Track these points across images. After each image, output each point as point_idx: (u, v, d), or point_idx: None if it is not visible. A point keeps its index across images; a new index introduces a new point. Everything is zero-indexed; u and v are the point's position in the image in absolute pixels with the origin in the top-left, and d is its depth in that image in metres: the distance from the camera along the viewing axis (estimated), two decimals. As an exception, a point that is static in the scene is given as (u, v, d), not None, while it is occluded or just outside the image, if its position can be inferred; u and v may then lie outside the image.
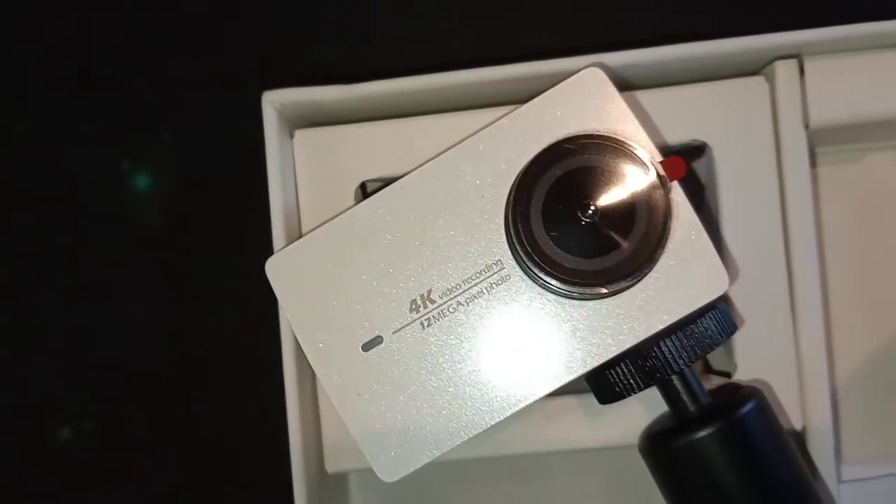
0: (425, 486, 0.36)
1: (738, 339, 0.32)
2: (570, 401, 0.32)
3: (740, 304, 0.32)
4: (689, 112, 0.32)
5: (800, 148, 0.31)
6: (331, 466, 0.33)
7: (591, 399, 0.32)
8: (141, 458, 0.38)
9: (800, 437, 0.32)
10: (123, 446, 0.38)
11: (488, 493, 0.36)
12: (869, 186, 0.35)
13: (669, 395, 0.28)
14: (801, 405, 0.32)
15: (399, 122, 0.32)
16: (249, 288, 0.32)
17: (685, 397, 0.28)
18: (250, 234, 0.33)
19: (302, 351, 0.29)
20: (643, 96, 0.32)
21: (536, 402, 0.32)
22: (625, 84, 0.31)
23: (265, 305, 0.30)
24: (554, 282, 0.27)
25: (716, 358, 0.34)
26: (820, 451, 0.31)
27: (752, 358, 0.32)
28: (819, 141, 0.34)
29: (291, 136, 0.32)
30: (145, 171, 0.38)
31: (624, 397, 0.28)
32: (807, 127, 0.31)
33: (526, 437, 0.32)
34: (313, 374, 0.33)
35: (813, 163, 0.35)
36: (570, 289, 0.27)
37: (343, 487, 0.36)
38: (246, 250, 0.34)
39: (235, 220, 0.37)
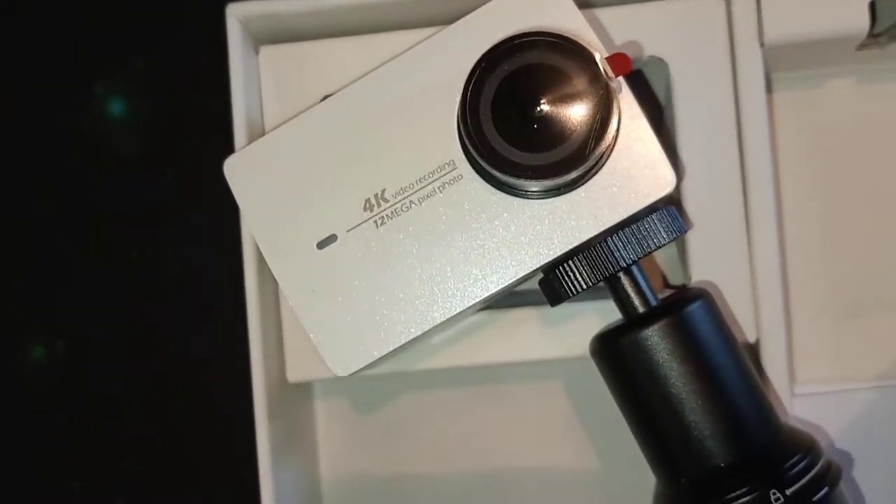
0: (387, 397, 0.37)
1: (693, 252, 0.32)
2: (528, 312, 0.33)
3: (696, 218, 0.32)
4: (647, 30, 0.32)
5: (755, 65, 0.32)
6: (292, 376, 0.33)
7: (549, 311, 0.33)
8: (108, 372, 0.38)
9: (754, 350, 0.32)
10: (90, 362, 0.38)
11: (447, 405, 0.37)
12: (824, 111, 0.36)
13: (618, 294, 0.29)
14: (755, 318, 0.32)
15: (365, 38, 0.33)
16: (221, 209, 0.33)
17: (633, 297, 0.29)
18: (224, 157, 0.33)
19: (264, 259, 0.30)
20: (602, 14, 0.32)
21: (494, 313, 0.33)
22: (584, 2, 0.32)
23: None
24: (503, 177, 0.27)
25: (673, 274, 0.35)
26: (773, 363, 0.32)
27: (706, 271, 0.32)
28: (775, 64, 0.34)
29: (257, 53, 0.33)
30: (118, 96, 0.38)
31: (572, 295, 0.28)
32: (762, 45, 0.32)
33: (483, 349, 0.33)
34: (276, 285, 0.34)
35: (769, 88, 0.35)
36: (518, 185, 0.27)
37: (307, 399, 0.37)
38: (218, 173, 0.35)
39: (209, 143, 0.37)
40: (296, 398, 0.35)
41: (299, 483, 0.36)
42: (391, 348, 0.29)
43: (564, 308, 0.32)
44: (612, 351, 0.28)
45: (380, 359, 0.29)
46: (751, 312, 0.32)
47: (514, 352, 0.33)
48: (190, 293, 0.39)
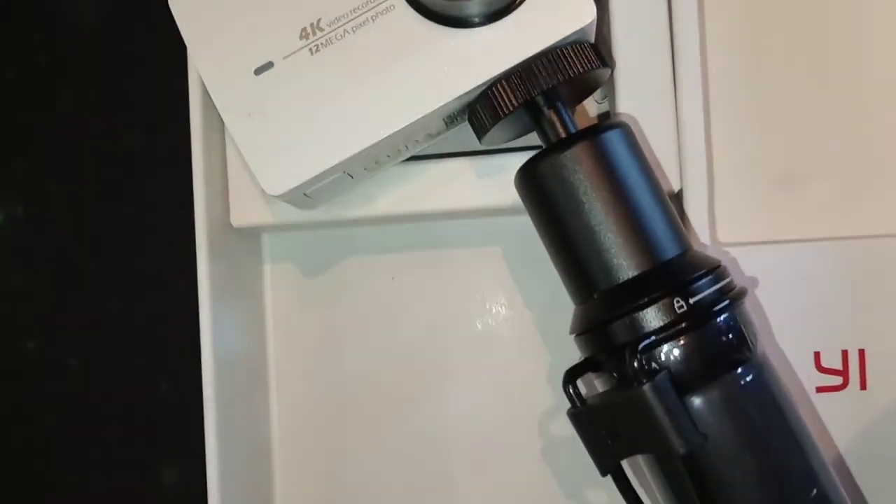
0: (333, 260, 0.38)
1: (621, 96, 0.33)
2: (461, 162, 0.34)
3: (623, 63, 0.33)
4: None
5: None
6: (236, 220, 0.35)
7: (482, 162, 0.34)
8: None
9: (678, 199, 0.34)
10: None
11: (391, 267, 0.38)
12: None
13: (540, 125, 0.30)
14: (678, 166, 0.33)
15: None
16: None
17: (555, 124, 0.30)
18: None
19: (210, 99, 0.31)
20: None
21: (428, 164, 0.34)
22: None
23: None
24: (432, 4, 0.28)
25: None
26: (695, 212, 0.33)
27: (631, 119, 0.33)
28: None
29: None
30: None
31: (497, 121, 0.29)
32: None
33: (419, 198, 0.34)
34: (222, 133, 0.35)
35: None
36: (446, 13, 0.29)
37: (254, 258, 0.38)
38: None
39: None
40: (242, 251, 0.37)
41: (243, 333, 0.37)
42: (321, 170, 0.30)
43: (496, 159, 0.34)
44: (532, 175, 0.29)
45: (313, 186, 0.31)
46: (675, 160, 0.33)
47: (448, 201, 0.34)
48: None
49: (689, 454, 0.26)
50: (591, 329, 0.29)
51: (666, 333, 0.27)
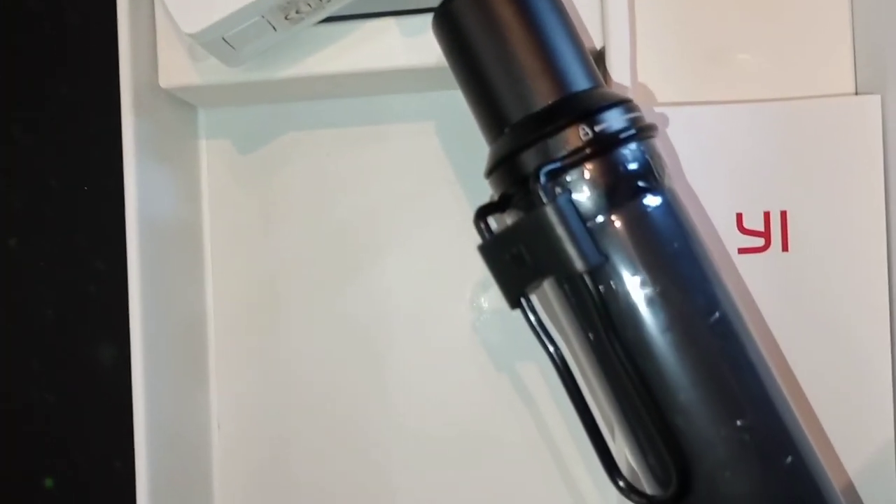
0: (269, 134, 0.39)
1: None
2: (387, 22, 0.34)
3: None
4: None
5: None
6: (164, 81, 0.35)
7: (409, 21, 0.34)
8: None
9: (601, 57, 0.34)
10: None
11: (327, 143, 0.38)
12: None
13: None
14: (601, 23, 0.33)
15: None
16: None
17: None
18: None
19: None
20: None
21: (355, 23, 0.34)
22: None
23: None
24: None
25: None
26: (618, 70, 0.33)
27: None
28: None
29: None
30: None
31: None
32: None
33: (345, 57, 0.34)
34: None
35: None
36: None
37: (190, 126, 0.38)
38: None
39: None
40: (175, 121, 0.37)
41: (177, 204, 0.37)
42: (237, 7, 0.30)
43: (422, 18, 0.34)
44: (446, 14, 0.30)
45: (233, 29, 0.31)
46: (598, 18, 0.33)
47: (375, 60, 0.34)
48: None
49: (589, 274, 0.27)
50: (500, 163, 0.29)
51: (571, 160, 0.27)
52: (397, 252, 0.38)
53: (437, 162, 0.38)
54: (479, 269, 0.37)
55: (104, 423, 0.39)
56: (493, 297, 0.38)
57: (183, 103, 0.38)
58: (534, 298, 0.29)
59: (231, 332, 0.39)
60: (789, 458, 0.27)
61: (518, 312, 0.29)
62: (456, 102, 0.32)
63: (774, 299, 0.34)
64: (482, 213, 0.29)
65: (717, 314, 0.27)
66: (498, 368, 0.38)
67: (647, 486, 0.29)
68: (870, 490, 0.34)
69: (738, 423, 0.27)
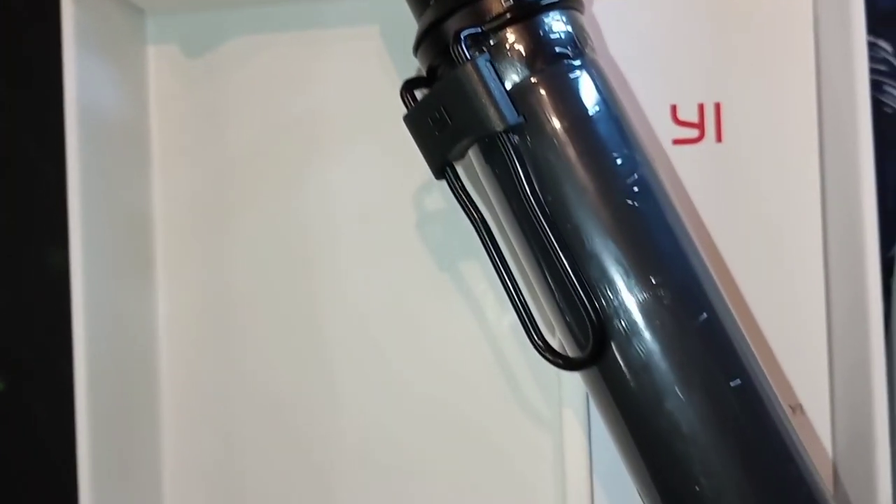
0: (216, 39, 0.39)
1: None
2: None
3: None
4: None
5: None
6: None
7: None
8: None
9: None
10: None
11: (273, 48, 0.39)
12: None
13: None
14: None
15: None
16: None
17: None
18: None
19: None
20: None
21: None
22: None
23: None
24: None
25: None
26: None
27: None
28: None
29: None
30: None
31: None
32: None
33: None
34: None
35: None
36: None
37: (138, 31, 0.39)
38: None
39: None
40: (123, 23, 0.37)
41: (123, 106, 0.37)
42: None
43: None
44: None
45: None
46: None
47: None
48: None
49: (507, 134, 0.27)
50: (425, 35, 0.29)
51: (492, 25, 0.28)
52: (344, 153, 0.38)
53: (380, 66, 0.38)
54: (423, 172, 0.38)
55: (51, 326, 0.40)
56: (436, 197, 0.38)
57: (131, 8, 0.38)
58: (461, 172, 0.30)
59: (178, 234, 0.39)
60: (703, 315, 0.27)
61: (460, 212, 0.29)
62: (401, 6, 0.33)
63: (708, 190, 0.35)
64: (408, 86, 0.30)
65: (635, 175, 0.28)
66: (441, 268, 0.38)
67: (570, 352, 0.29)
68: (801, 383, 0.35)
69: (653, 280, 0.27)
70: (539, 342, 0.28)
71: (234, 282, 0.39)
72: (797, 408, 0.35)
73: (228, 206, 0.39)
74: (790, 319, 0.34)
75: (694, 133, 0.35)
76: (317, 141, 0.39)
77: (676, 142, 0.35)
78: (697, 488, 0.27)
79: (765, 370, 0.29)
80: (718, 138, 0.35)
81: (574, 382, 0.34)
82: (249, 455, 0.38)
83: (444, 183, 0.30)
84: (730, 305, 0.28)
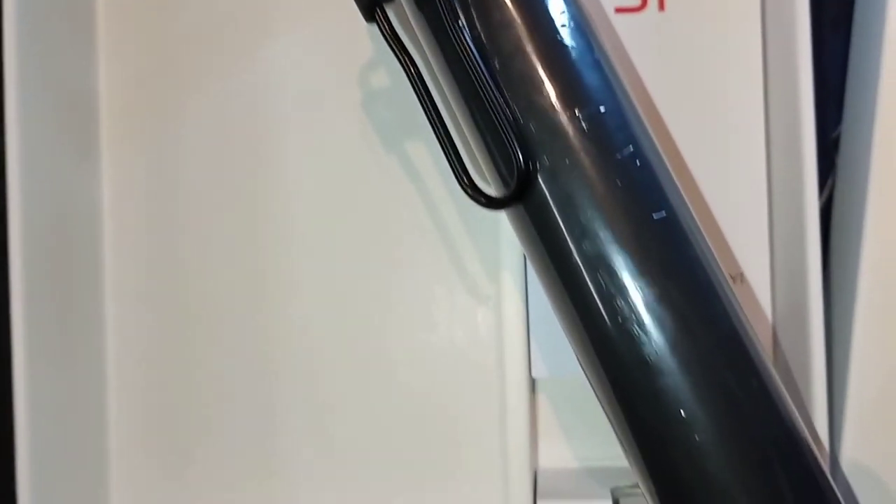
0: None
1: None
2: None
3: None
4: None
5: None
6: None
7: None
8: None
9: None
10: None
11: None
12: None
13: None
14: None
15: None
16: None
17: None
18: None
19: None
20: None
21: None
22: None
23: None
24: None
25: None
26: None
27: None
28: None
29: None
30: None
31: None
32: None
33: None
34: None
35: None
36: None
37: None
38: None
39: None
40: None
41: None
42: None
43: None
44: None
45: None
46: None
47: None
48: None
49: None
50: None
51: None
52: (293, 33, 0.38)
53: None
54: (367, 49, 0.38)
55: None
56: (381, 75, 0.38)
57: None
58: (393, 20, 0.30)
59: (124, 115, 0.39)
60: (629, 149, 0.27)
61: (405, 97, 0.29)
62: None
63: (651, 59, 0.34)
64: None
65: (564, 11, 0.28)
66: (388, 150, 0.38)
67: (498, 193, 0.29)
68: (743, 253, 0.35)
69: (578, 112, 0.27)
70: (465, 181, 0.28)
71: (181, 165, 0.38)
72: (738, 277, 0.35)
73: (176, 87, 0.39)
74: (732, 191, 0.34)
75: (636, 1, 0.35)
76: (264, 21, 0.38)
77: (619, 10, 0.35)
78: (620, 320, 0.27)
79: (707, 237, 0.28)
80: (661, 7, 0.35)
81: (511, 246, 0.33)
82: (193, 336, 0.38)
83: (393, 62, 0.30)
84: (658, 145, 0.28)
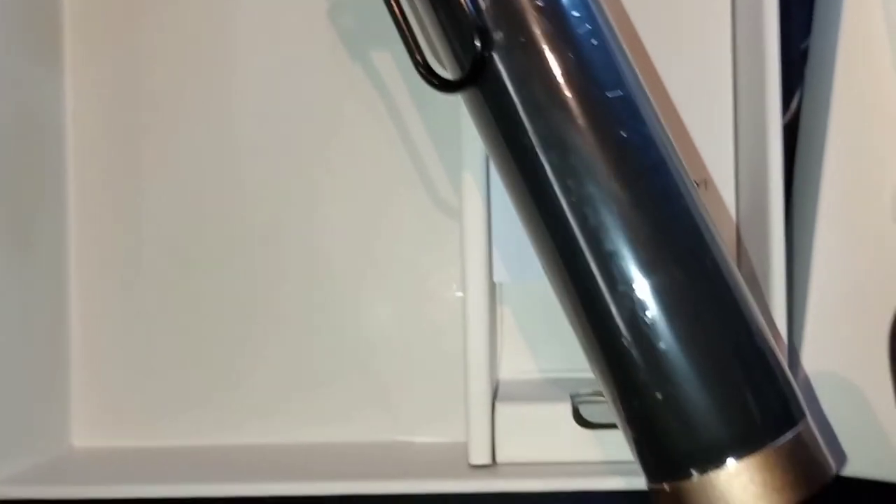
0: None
1: None
2: None
3: None
4: None
5: None
6: None
7: None
8: None
9: None
10: None
11: None
12: None
13: None
14: None
15: None
16: None
17: None
18: None
19: None
20: None
21: None
22: None
23: None
24: None
25: None
26: None
27: None
28: None
29: None
30: None
31: None
32: None
33: None
34: None
35: None
36: None
37: None
38: None
39: None
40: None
41: None
42: None
43: None
44: None
45: None
46: None
47: None
48: None
49: None
50: None
51: None
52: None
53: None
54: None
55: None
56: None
57: None
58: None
59: (89, 27, 0.38)
60: (586, 27, 0.27)
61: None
62: None
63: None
64: None
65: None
66: (353, 57, 0.37)
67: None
68: (710, 158, 0.34)
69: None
70: (420, 62, 0.28)
71: (144, 72, 0.38)
72: (703, 182, 0.34)
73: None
74: (699, 97, 0.34)
75: None
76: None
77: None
78: (574, 199, 0.26)
79: (675, 144, 0.28)
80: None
81: (474, 146, 0.33)
82: (156, 244, 0.38)
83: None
84: (618, 33, 0.28)
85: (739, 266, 0.34)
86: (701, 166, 0.34)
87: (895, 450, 0.31)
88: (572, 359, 0.34)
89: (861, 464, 0.32)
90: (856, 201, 0.32)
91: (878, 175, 0.32)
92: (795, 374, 0.32)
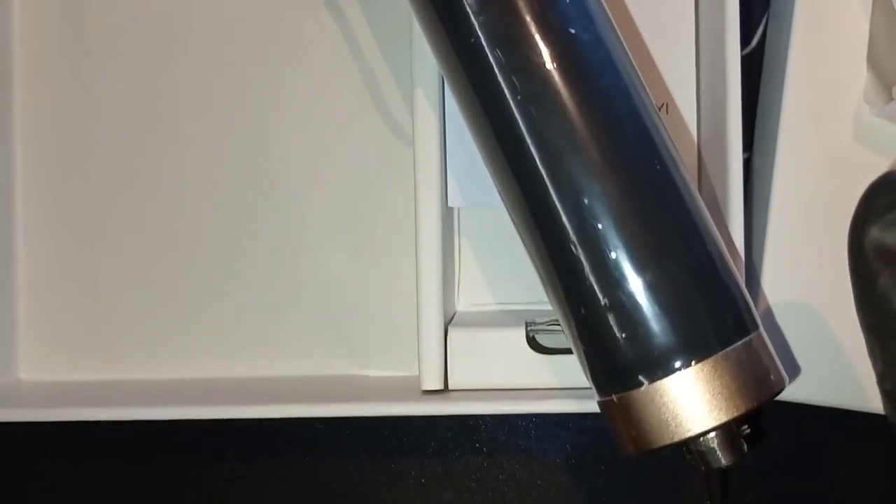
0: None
1: None
2: None
3: None
4: None
5: None
6: None
7: None
8: None
9: None
10: None
11: None
12: None
13: None
14: None
15: None
16: None
17: None
18: None
19: None
20: None
21: None
22: None
23: None
24: None
25: None
26: None
27: None
28: None
29: None
30: None
31: None
32: None
33: None
34: None
35: None
36: None
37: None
38: None
39: None
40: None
41: None
42: None
43: None
44: None
45: None
46: None
47: None
48: None
49: None
50: None
51: None
52: None
53: None
54: None
55: None
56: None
57: None
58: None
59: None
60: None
61: None
62: None
63: None
64: None
65: None
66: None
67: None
68: (672, 82, 0.34)
69: None
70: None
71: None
72: (665, 106, 0.33)
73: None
74: (662, 22, 0.33)
75: None
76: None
77: None
78: (519, 97, 0.25)
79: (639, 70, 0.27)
80: None
81: (425, 63, 0.32)
82: (103, 162, 0.37)
83: None
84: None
85: (700, 188, 0.33)
86: (664, 90, 0.33)
87: (856, 374, 0.30)
88: (532, 292, 0.34)
89: (821, 390, 0.31)
90: (816, 123, 0.32)
91: (839, 98, 0.32)
92: (755, 295, 0.31)
